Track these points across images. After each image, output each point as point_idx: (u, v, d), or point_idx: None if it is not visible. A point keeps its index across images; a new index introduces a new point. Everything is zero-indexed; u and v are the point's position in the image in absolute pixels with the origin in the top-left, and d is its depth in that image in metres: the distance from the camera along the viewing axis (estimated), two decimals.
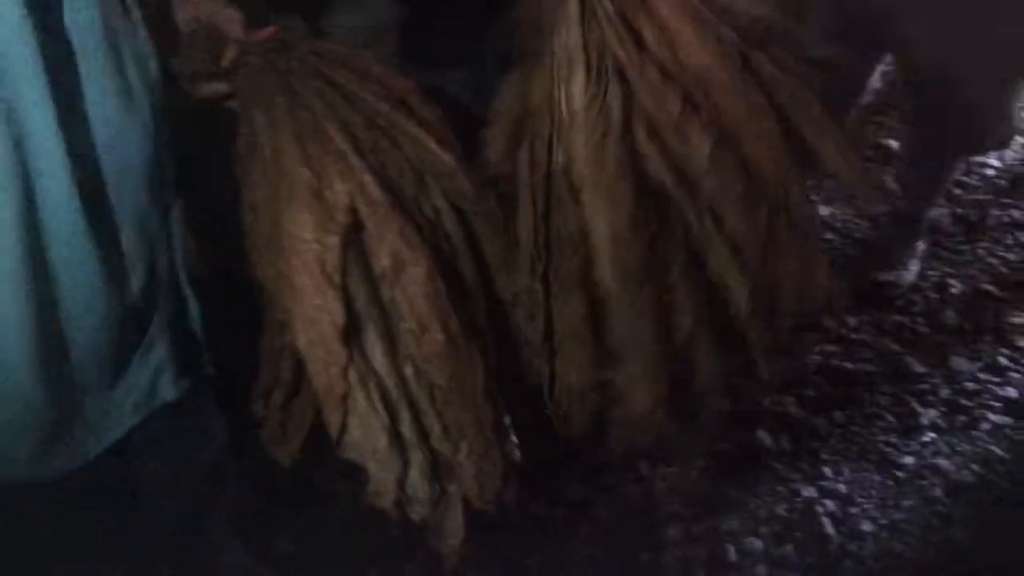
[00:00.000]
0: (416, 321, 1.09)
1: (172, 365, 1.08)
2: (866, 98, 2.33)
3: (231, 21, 1.03)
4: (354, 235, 1.06)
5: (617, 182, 1.20)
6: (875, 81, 2.35)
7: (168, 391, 1.09)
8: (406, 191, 1.09)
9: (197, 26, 1.04)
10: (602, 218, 1.20)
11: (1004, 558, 1.80)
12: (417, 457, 1.16)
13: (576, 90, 1.15)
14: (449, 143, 1.11)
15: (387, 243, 1.06)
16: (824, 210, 2.61)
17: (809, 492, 1.93)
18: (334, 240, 1.03)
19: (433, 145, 1.08)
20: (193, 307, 1.11)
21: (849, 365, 2.22)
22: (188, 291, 1.10)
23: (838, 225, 2.57)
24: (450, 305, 1.11)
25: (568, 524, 1.84)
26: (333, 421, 1.12)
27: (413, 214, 1.09)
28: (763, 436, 2.04)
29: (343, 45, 1.16)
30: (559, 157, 1.18)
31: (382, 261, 1.07)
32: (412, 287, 1.08)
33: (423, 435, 1.15)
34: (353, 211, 1.05)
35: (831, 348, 2.25)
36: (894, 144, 2.66)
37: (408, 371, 1.11)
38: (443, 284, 1.10)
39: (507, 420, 1.24)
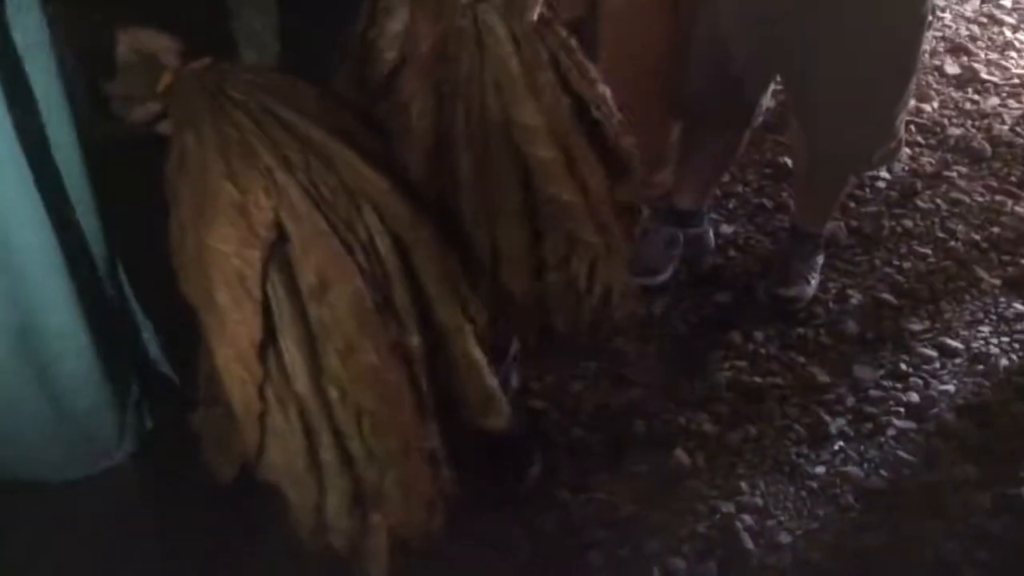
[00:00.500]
0: (343, 341, 1.06)
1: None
2: (759, 118, 2.39)
3: (168, 51, 1.03)
4: (279, 251, 1.03)
5: None
6: (767, 101, 2.41)
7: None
8: (338, 212, 1.05)
9: (134, 54, 1.03)
10: None
11: (916, 561, 1.85)
12: (339, 483, 1.12)
13: None
14: (387, 168, 1.09)
15: (313, 259, 1.04)
16: (726, 228, 2.67)
17: (728, 508, 1.96)
18: (254, 254, 1.01)
19: (368, 169, 1.06)
20: (149, 335, 1.10)
21: (758, 379, 2.26)
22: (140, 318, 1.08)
23: (740, 243, 2.63)
24: (381, 327, 1.08)
25: (489, 560, 1.83)
26: (250, 440, 1.08)
27: (343, 234, 1.05)
28: (680, 455, 2.07)
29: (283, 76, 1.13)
30: None
31: (308, 278, 1.04)
32: (339, 305, 1.05)
33: (347, 460, 1.11)
34: (278, 226, 1.02)
35: (740, 363, 2.30)
36: (789, 162, 2.73)
37: (333, 393, 1.08)
38: (372, 304, 1.07)
39: (439, 449, 1.21)
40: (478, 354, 1.18)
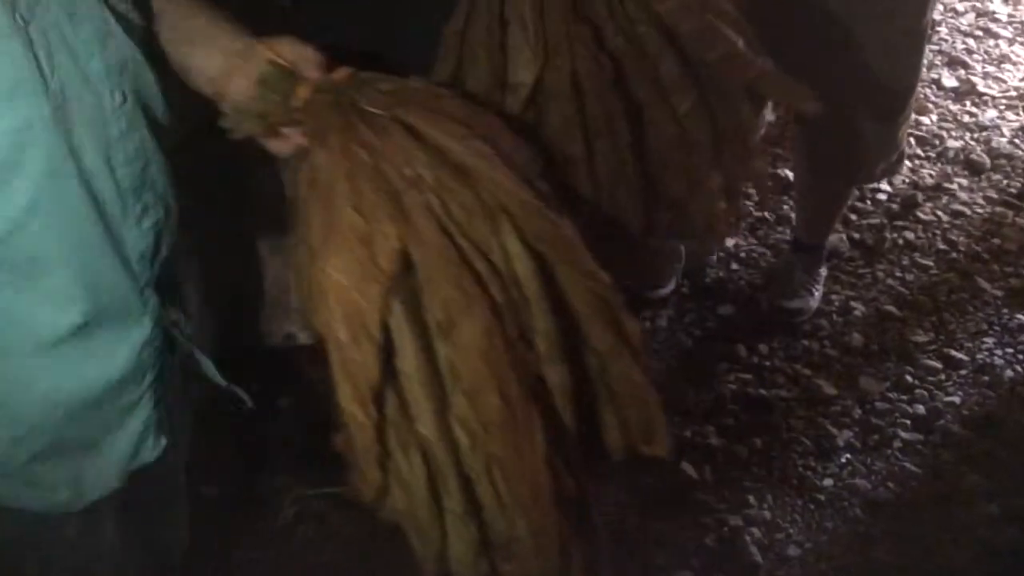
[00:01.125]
0: (471, 381, 0.96)
1: (156, 426, 1.04)
2: (760, 131, 2.39)
3: (308, 62, 1.00)
4: (404, 283, 0.95)
5: None
6: (768, 113, 2.42)
7: (149, 453, 1.05)
8: (472, 234, 0.96)
9: (270, 67, 1.00)
10: None
11: (924, 573, 1.84)
12: (465, 532, 1.02)
13: None
14: (533, 181, 1.00)
15: (441, 293, 0.95)
16: (728, 241, 2.67)
17: (735, 521, 1.96)
18: (375, 290, 0.93)
19: (509, 181, 0.96)
20: (205, 364, 1.09)
21: (764, 392, 2.26)
22: (195, 350, 1.07)
23: (742, 255, 2.63)
24: (511, 366, 0.97)
25: None
26: (371, 482, 1.00)
27: (476, 262, 0.96)
28: (687, 468, 2.06)
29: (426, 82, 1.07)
30: None
31: (435, 312, 0.95)
32: (468, 343, 0.95)
33: (474, 508, 1.01)
34: (403, 256, 0.94)
35: (744, 376, 2.30)
36: (790, 174, 2.74)
37: (461, 438, 0.98)
38: (503, 342, 0.97)
39: (578, 493, 1.10)
40: (639, 375, 1.07)
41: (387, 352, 0.95)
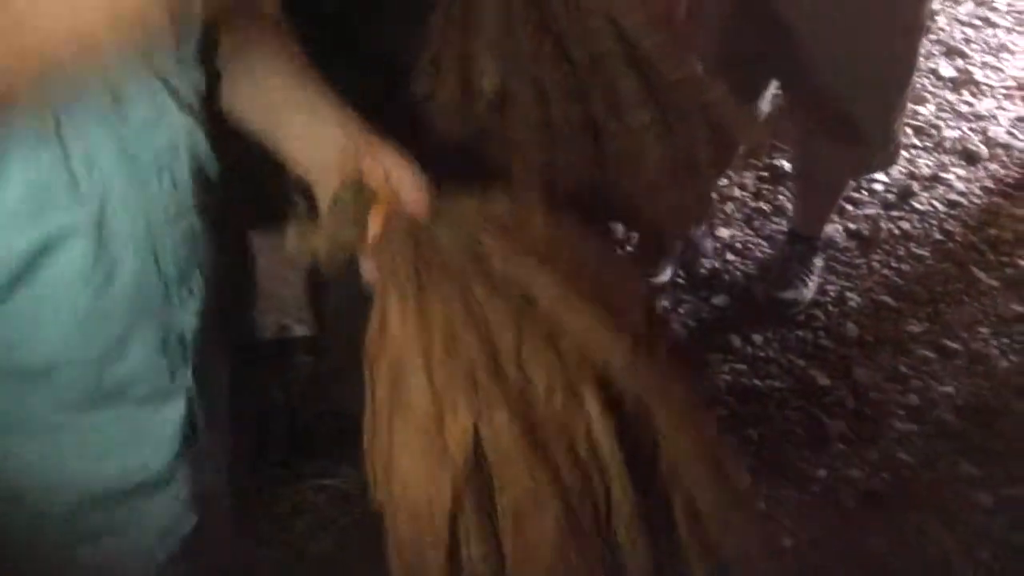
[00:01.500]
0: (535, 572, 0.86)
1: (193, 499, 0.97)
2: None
3: (403, 179, 0.84)
4: (475, 472, 0.85)
5: None
6: (764, 104, 2.42)
7: (186, 524, 0.98)
8: (553, 410, 0.84)
9: (348, 183, 0.85)
10: None
11: (919, 562, 1.85)
12: None
13: None
14: (630, 322, 0.87)
15: (510, 489, 0.85)
16: (723, 232, 2.67)
17: None
18: (446, 484, 0.83)
19: (605, 333, 0.84)
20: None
21: (758, 382, 2.26)
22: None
23: (738, 246, 2.63)
24: (581, 553, 0.87)
25: None
26: None
27: (552, 449, 0.84)
28: None
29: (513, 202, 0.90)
30: None
31: (503, 504, 0.85)
32: (535, 541, 0.86)
33: None
34: (475, 445, 0.84)
35: (739, 367, 2.30)
36: (787, 165, 2.74)
37: None
38: (576, 531, 0.86)
39: None
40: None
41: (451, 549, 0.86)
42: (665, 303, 2.49)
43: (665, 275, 2.52)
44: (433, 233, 0.85)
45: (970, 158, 2.89)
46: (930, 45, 3.32)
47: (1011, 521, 1.91)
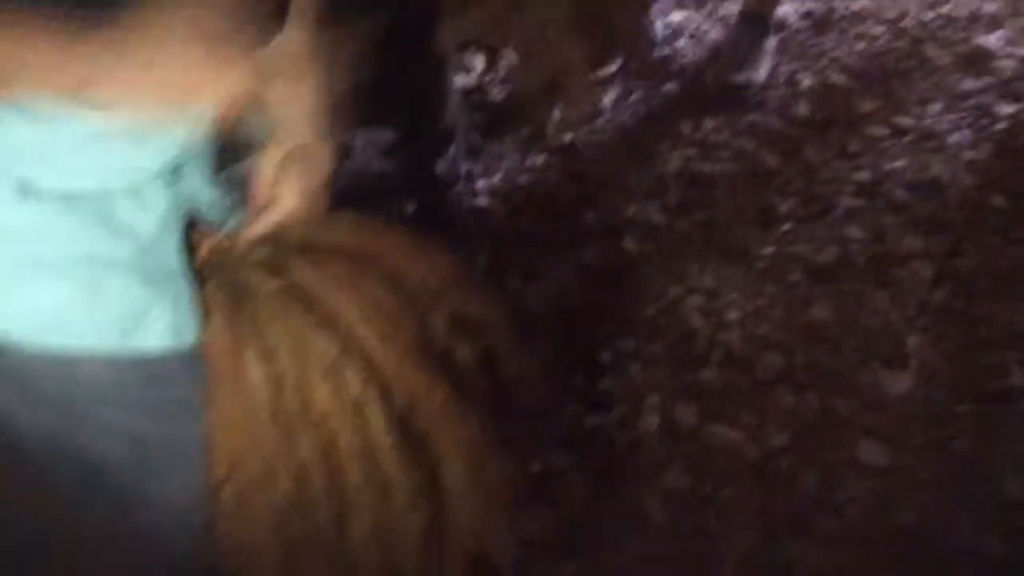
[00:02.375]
0: None
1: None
2: None
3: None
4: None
5: None
6: None
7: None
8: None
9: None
10: None
11: (862, 330, 1.87)
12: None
13: None
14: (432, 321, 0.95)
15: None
16: (677, 15, 2.59)
17: (677, 291, 1.97)
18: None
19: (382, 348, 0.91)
20: None
21: (708, 167, 2.24)
22: None
23: (691, 28, 2.56)
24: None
25: None
26: None
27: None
28: (629, 243, 2.06)
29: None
30: None
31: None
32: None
33: None
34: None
35: (689, 152, 2.27)
36: None
37: None
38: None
39: None
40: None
41: None
42: (614, 94, 2.43)
43: (613, 65, 2.46)
44: (242, 261, 0.91)
45: None
46: None
47: (952, 290, 1.93)
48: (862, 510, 1.66)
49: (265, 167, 0.94)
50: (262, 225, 0.93)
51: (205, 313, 0.92)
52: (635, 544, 1.61)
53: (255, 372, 0.89)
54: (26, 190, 0.81)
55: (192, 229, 0.93)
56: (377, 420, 0.91)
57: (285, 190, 0.93)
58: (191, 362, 0.92)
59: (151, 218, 0.88)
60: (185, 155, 0.88)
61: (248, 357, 0.89)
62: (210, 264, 0.92)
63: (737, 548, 1.61)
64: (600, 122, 2.35)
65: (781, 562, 1.58)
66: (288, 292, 0.90)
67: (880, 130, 2.29)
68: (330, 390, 0.90)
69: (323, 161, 0.94)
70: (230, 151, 0.95)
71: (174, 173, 0.89)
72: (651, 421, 1.76)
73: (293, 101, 0.92)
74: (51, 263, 0.84)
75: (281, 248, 0.92)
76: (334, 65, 0.92)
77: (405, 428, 0.92)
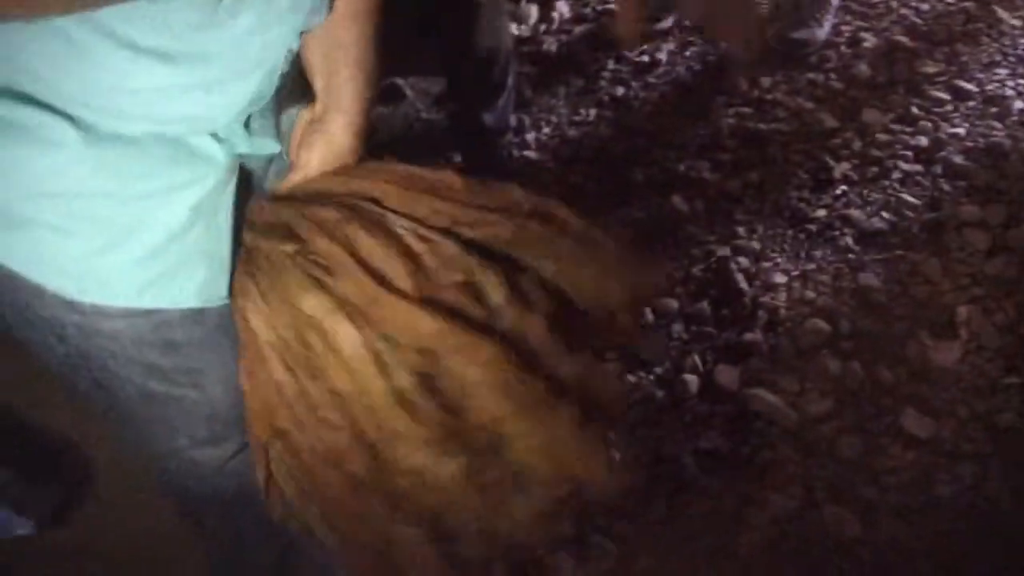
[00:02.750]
0: None
1: None
2: None
3: None
4: None
5: None
6: None
7: None
8: None
9: None
10: None
11: (911, 298, 1.84)
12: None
13: None
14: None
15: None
16: None
17: (723, 251, 1.95)
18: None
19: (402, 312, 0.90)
20: None
21: (763, 126, 2.20)
22: None
23: None
24: None
25: None
26: None
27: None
28: (678, 201, 2.03)
29: None
30: None
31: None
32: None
33: None
34: None
35: (745, 110, 2.23)
36: None
37: None
38: None
39: None
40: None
41: None
42: (670, 47, 2.39)
43: (670, 19, 2.41)
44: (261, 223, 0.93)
45: None
46: None
47: (1007, 261, 1.88)
48: (902, 480, 1.64)
49: (297, 128, 0.95)
50: (285, 185, 0.95)
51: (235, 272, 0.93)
52: (669, 503, 1.61)
53: (263, 334, 0.90)
54: (89, 133, 0.81)
55: (246, 188, 0.93)
56: (396, 367, 0.90)
57: (309, 155, 0.95)
58: (212, 325, 0.93)
59: (211, 172, 0.88)
60: (251, 108, 0.88)
61: (254, 320, 0.90)
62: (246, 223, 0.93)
63: (772, 511, 1.61)
64: (654, 76, 2.31)
65: (818, 527, 1.58)
66: (301, 255, 0.90)
67: (942, 94, 2.23)
68: (351, 342, 0.89)
69: (344, 134, 0.95)
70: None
71: (235, 129, 0.89)
72: (691, 381, 1.75)
73: (336, 54, 0.92)
74: (100, 213, 0.84)
75: (295, 207, 0.93)
76: (378, 15, 0.91)
77: (425, 375, 0.91)
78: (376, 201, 0.92)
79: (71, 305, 0.87)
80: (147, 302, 0.88)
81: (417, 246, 0.90)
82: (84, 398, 0.96)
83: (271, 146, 0.94)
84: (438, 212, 0.92)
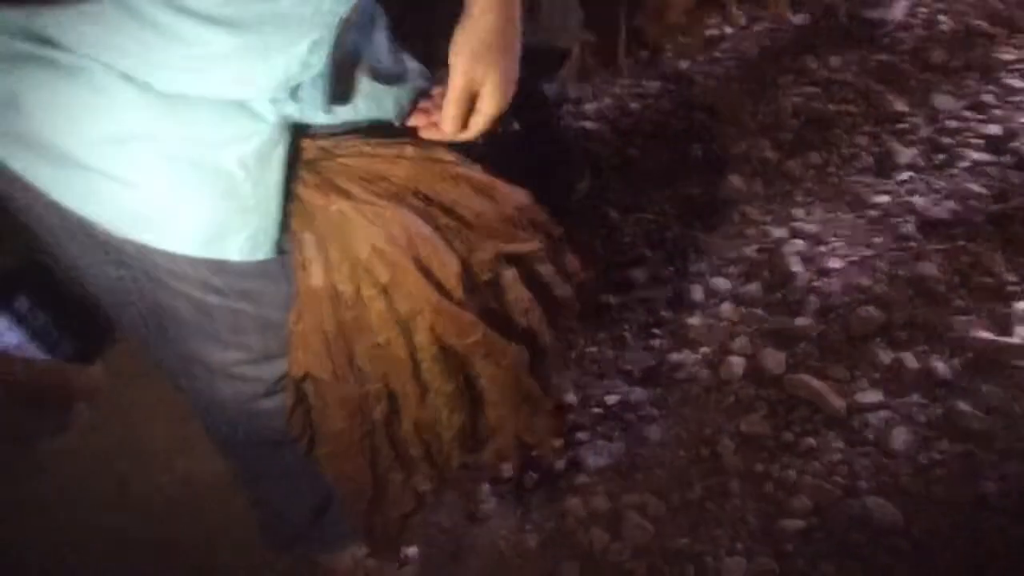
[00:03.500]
0: None
1: None
2: None
3: None
4: None
5: None
6: None
7: None
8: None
9: None
10: None
11: (972, 287, 1.79)
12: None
13: None
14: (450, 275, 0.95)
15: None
16: None
17: (780, 233, 1.91)
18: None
19: (427, 290, 0.94)
20: None
21: (830, 106, 2.14)
22: None
23: None
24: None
25: None
26: None
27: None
28: (735, 180, 2.00)
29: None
30: None
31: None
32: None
33: None
34: None
35: (811, 90, 2.18)
36: None
37: None
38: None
39: None
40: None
41: None
42: (740, 22, 2.34)
43: None
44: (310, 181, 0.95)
45: None
46: None
47: None
48: (949, 474, 1.60)
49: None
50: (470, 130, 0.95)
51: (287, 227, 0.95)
52: (705, 485, 1.59)
53: (319, 285, 0.91)
54: (147, 89, 0.83)
55: (298, 146, 0.94)
56: (421, 336, 0.94)
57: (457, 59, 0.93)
58: (269, 270, 0.94)
59: (261, 129, 0.88)
60: (304, 73, 0.88)
61: (313, 272, 0.92)
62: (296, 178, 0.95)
63: (813, 498, 1.58)
64: (720, 50, 2.27)
65: (859, 516, 1.55)
66: (344, 215, 0.92)
67: (1018, 82, 2.15)
68: (381, 309, 0.93)
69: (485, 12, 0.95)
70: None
71: (291, 91, 0.89)
72: (737, 363, 1.72)
73: None
74: (155, 164, 0.86)
75: (341, 172, 0.95)
76: None
77: (444, 348, 0.95)
78: (419, 193, 0.94)
79: (126, 239, 0.89)
80: (201, 252, 0.90)
81: (459, 247, 0.94)
82: (131, 325, 0.99)
83: (318, 116, 0.94)
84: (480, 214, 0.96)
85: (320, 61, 0.88)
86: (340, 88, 0.92)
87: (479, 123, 0.94)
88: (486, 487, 1.57)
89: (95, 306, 0.72)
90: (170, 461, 1.66)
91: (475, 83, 0.92)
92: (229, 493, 1.51)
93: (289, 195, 0.94)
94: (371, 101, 0.96)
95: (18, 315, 0.60)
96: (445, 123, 0.92)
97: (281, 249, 0.94)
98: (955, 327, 1.74)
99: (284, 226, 0.94)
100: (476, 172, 0.98)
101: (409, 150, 0.96)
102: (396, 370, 0.95)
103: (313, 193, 0.93)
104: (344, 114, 0.95)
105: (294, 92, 0.90)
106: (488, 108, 0.93)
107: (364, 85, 0.95)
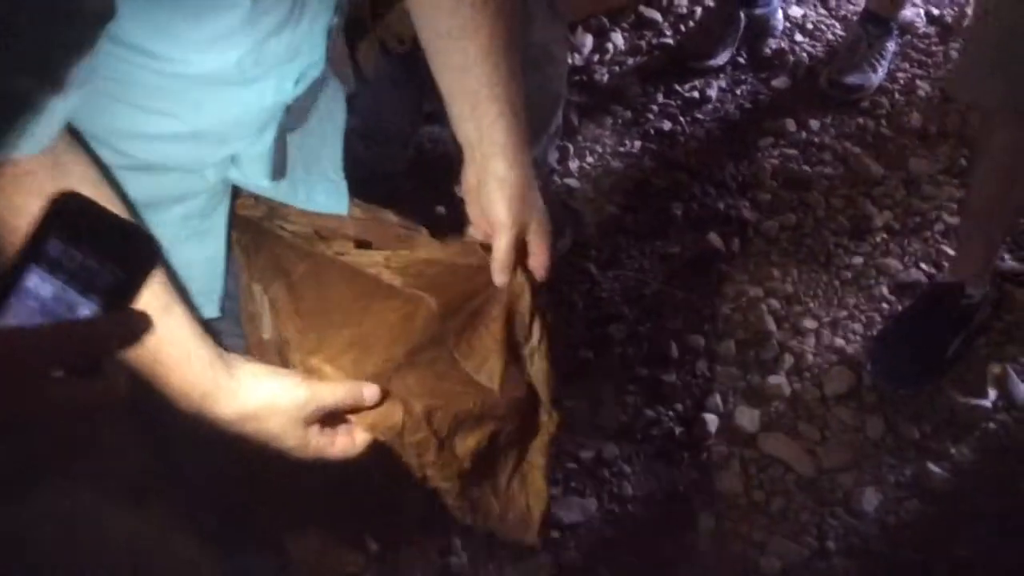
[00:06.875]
0: None
1: None
2: None
3: None
4: None
5: None
6: None
7: None
8: None
9: None
10: None
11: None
12: None
13: None
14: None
15: None
16: (796, 11, 2.53)
17: (755, 292, 1.94)
18: None
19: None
20: None
21: (807, 168, 2.18)
22: None
23: (809, 26, 2.49)
24: None
25: None
26: None
27: None
28: (713, 239, 2.03)
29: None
30: None
31: None
32: None
33: None
34: None
35: (790, 151, 2.22)
36: None
37: None
38: None
39: None
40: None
41: None
42: (721, 83, 2.39)
43: (723, 56, 2.41)
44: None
45: None
46: None
47: None
48: (917, 535, 1.62)
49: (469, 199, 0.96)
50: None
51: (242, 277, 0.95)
52: (677, 542, 1.60)
53: (268, 338, 0.94)
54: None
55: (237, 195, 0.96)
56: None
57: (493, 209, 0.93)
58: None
59: (198, 190, 0.89)
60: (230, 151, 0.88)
61: (264, 324, 0.93)
62: (250, 230, 0.95)
63: (783, 559, 1.60)
64: (703, 112, 2.31)
65: None
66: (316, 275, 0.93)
67: None
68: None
69: (511, 171, 0.93)
70: None
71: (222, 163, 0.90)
72: (711, 420, 1.75)
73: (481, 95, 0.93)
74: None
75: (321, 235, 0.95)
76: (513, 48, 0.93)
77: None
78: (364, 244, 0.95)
79: None
80: None
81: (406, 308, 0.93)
82: None
83: (260, 182, 0.93)
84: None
85: (256, 139, 0.88)
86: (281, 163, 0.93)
87: (545, 262, 0.95)
88: (457, 541, 1.58)
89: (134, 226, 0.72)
90: None
91: (521, 234, 0.93)
92: None
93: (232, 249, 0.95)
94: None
95: (50, 261, 0.60)
96: (499, 278, 0.93)
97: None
98: (926, 389, 1.77)
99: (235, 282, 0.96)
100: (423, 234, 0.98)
101: (356, 211, 0.98)
102: None
103: (263, 247, 0.95)
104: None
105: (236, 159, 0.90)
106: (544, 247, 0.94)
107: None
